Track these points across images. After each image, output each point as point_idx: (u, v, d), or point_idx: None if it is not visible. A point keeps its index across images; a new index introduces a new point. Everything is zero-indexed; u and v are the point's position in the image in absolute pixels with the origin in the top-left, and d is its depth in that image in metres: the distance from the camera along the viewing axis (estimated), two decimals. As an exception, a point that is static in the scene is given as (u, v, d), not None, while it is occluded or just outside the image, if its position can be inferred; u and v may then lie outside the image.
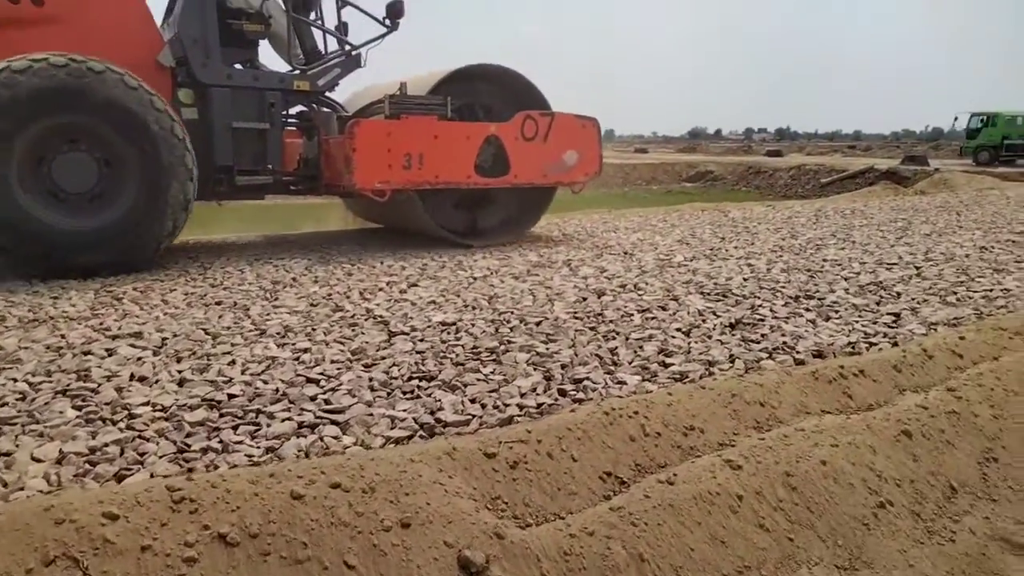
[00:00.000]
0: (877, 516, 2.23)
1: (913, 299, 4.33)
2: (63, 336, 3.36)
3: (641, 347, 3.29)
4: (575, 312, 3.90)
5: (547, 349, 3.22)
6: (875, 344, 3.43)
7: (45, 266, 4.68)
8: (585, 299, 4.20)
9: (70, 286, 4.53)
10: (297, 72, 6.11)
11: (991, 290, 4.58)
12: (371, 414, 2.47)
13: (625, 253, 5.97)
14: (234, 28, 5.76)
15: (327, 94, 6.37)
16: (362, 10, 6.41)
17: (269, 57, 6.51)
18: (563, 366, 3.02)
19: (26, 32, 4.87)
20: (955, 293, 4.48)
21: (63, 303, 4.08)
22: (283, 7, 6.10)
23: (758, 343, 3.41)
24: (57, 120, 4.62)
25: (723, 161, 43.41)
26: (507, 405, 2.59)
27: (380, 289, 4.48)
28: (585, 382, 2.83)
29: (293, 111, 6.31)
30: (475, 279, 4.82)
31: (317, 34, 6.36)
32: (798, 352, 3.28)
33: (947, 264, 5.42)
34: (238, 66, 5.86)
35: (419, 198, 6.07)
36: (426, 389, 2.73)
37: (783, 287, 4.56)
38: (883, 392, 2.92)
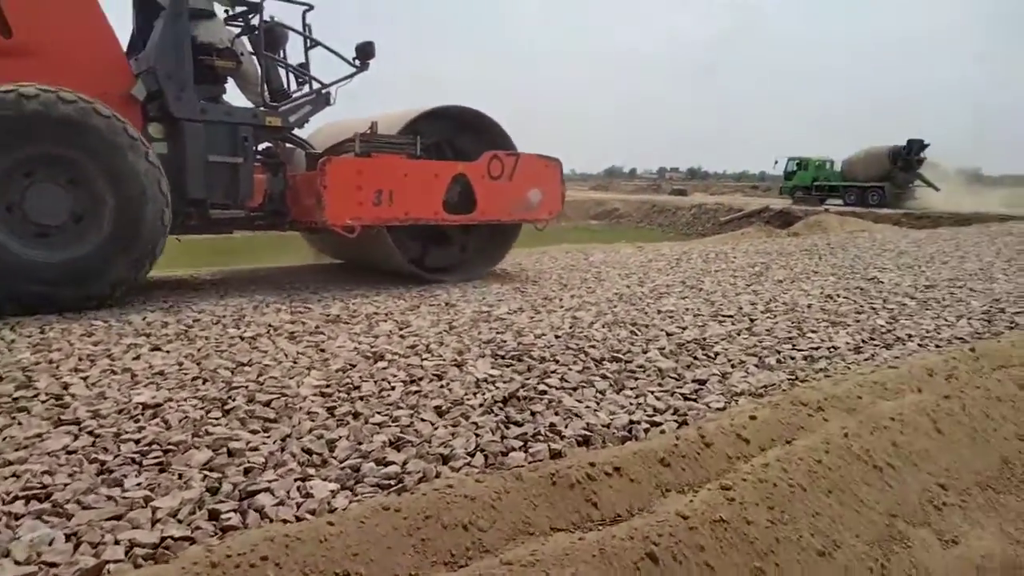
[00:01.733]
0: None
1: (730, 361, 3.88)
2: None
3: (371, 438, 2.65)
4: (327, 385, 3.24)
5: (244, 445, 2.54)
6: (658, 425, 2.90)
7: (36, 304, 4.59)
8: (354, 366, 3.55)
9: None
10: (269, 109, 6.16)
11: (817, 348, 4.19)
12: None
13: (446, 304, 5.37)
14: (205, 64, 5.81)
15: (294, 131, 6.45)
16: (332, 51, 6.60)
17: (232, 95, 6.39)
18: (247, 471, 2.34)
19: None
20: (778, 352, 4.07)
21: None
22: (249, 46, 6.30)
23: (520, 426, 2.83)
24: (27, 151, 4.58)
25: (630, 199, 44.25)
26: (102, 545, 1.88)
27: (104, 356, 3.70)
28: (259, 497, 2.16)
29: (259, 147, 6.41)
30: (242, 338, 4.10)
31: (281, 72, 6.52)
32: (563, 438, 2.72)
33: (784, 316, 5.05)
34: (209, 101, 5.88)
35: (387, 234, 6.16)
36: (19, 520, 2.00)
37: (593, 347, 4.03)
38: (639, 496, 2.37)
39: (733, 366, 3.80)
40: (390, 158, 6.12)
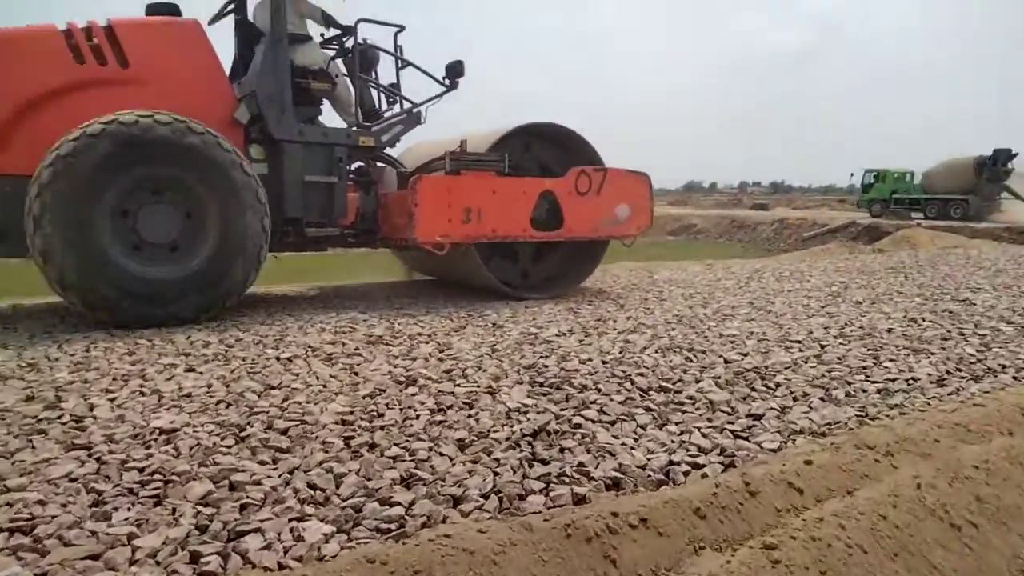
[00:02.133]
0: None
1: (792, 393, 3.53)
2: None
3: (383, 473, 2.47)
4: (350, 412, 3.08)
5: (248, 477, 2.40)
6: (700, 467, 2.61)
7: (128, 316, 4.83)
8: (383, 391, 3.39)
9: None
10: (362, 129, 6.33)
11: (894, 379, 3.78)
12: None
13: (494, 325, 5.17)
14: (301, 86, 6.03)
15: (385, 150, 6.62)
16: (424, 71, 6.74)
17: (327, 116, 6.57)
18: (243, 507, 2.20)
19: (113, 91, 5.18)
20: (849, 384, 3.68)
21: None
22: (343, 68, 6.57)
23: (546, 464, 2.59)
24: (152, 172, 4.90)
25: (707, 215, 43.08)
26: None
27: (134, 377, 3.67)
28: (247, 539, 2.01)
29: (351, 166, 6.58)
30: (279, 359, 4.01)
31: (373, 92, 6.70)
32: (591, 479, 2.47)
33: (859, 342, 4.62)
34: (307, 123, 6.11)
35: (476, 251, 6.23)
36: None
37: (641, 374, 3.75)
38: (667, 553, 2.09)
39: (795, 399, 3.45)
40: (479, 175, 6.16)
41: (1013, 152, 29.87)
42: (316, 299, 6.67)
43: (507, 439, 2.82)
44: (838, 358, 4.20)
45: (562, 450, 2.74)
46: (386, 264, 9.04)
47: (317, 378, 3.65)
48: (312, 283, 8.12)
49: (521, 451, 2.70)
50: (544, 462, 2.62)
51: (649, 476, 2.52)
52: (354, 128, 6.32)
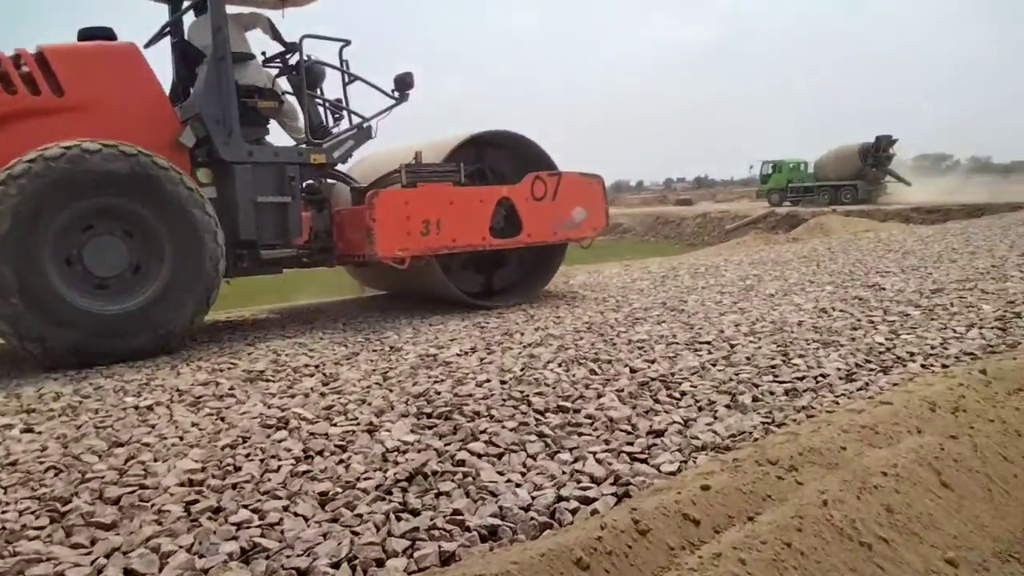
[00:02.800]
0: None
1: (697, 402, 3.30)
2: None
3: (220, 546, 2.10)
4: (202, 468, 2.69)
5: (51, 569, 2.00)
6: (591, 501, 2.33)
7: (82, 355, 4.62)
8: (247, 439, 3.01)
9: None
10: (313, 146, 6.15)
11: (803, 377, 3.60)
12: None
13: (391, 348, 4.82)
14: (248, 106, 5.82)
15: (337, 166, 6.47)
16: (372, 84, 6.63)
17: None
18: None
19: (50, 121, 4.91)
20: (756, 387, 3.48)
21: None
22: (287, 85, 6.34)
23: (416, 515, 2.27)
24: (89, 203, 4.67)
25: (634, 213, 43.61)
26: None
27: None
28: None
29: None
30: (137, 408, 3.56)
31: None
32: (465, 530, 2.16)
33: (769, 338, 4.47)
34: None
35: (437, 263, 6.17)
36: None
37: (540, 393, 3.47)
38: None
39: (700, 409, 3.23)
40: (436, 187, 6.08)
41: (893, 138, 31.80)
42: (209, 329, 6.17)
43: (377, 487, 2.48)
44: (747, 358, 4.01)
45: (439, 495, 2.42)
46: (336, 281, 8.58)
47: (176, 428, 3.23)
48: (235, 309, 7.58)
49: (391, 501, 2.37)
50: (415, 513, 2.30)
51: (532, 519, 2.23)
52: (304, 146, 6.14)
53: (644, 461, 2.66)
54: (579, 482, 2.48)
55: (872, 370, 3.69)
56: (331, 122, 6.60)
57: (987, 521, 2.42)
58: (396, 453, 2.79)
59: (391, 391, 3.67)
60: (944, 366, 3.67)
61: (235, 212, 5.60)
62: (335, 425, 3.15)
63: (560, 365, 4.06)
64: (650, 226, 38.59)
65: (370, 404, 3.43)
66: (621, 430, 2.97)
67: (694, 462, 2.62)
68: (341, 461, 2.74)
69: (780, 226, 26.59)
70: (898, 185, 31.82)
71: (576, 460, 2.68)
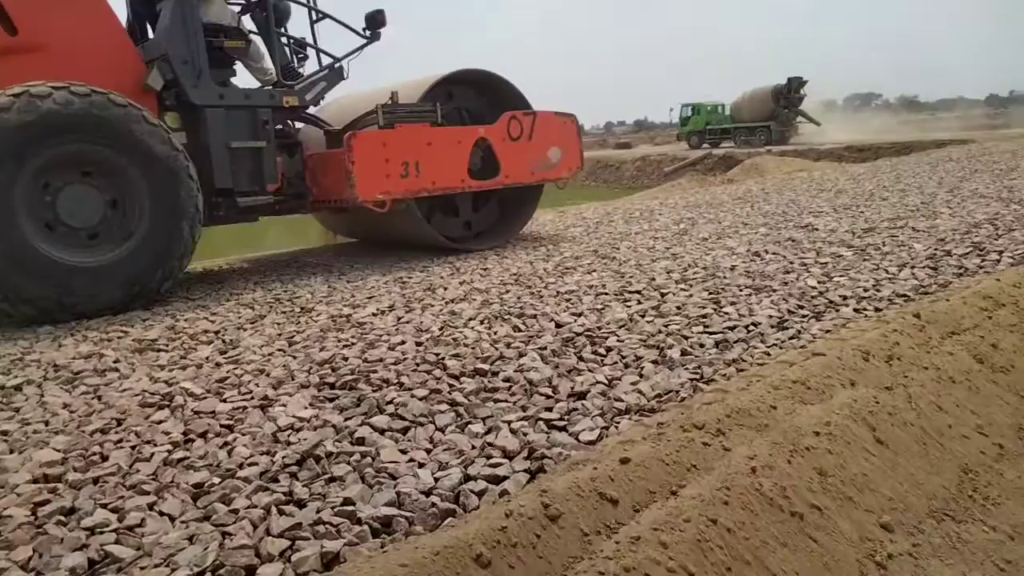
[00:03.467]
0: None
1: (623, 359, 3.09)
2: None
3: (63, 558, 1.79)
4: (62, 460, 2.35)
5: None
6: (501, 480, 2.09)
7: (56, 310, 4.39)
8: (121, 421, 2.66)
9: None
10: (285, 88, 5.88)
11: (734, 326, 3.43)
12: None
13: (303, 309, 4.47)
14: (214, 45, 5.50)
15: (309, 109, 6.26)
16: (341, 22, 6.32)
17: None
18: None
19: (5, 62, 4.61)
20: (686, 339, 3.29)
21: None
22: (250, 24, 6.04)
23: (302, 507, 2.00)
24: (53, 151, 4.37)
25: (574, 157, 43.21)
26: None
27: None
28: None
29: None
30: (3, 388, 3.16)
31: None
32: (357, 523, 1.90)
33: (701, 285, 4.29)
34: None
35: (415, 207, 6.05)
36: None
37: (457, 355, 3.21)
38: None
39: (626, 365, 3.02)
40: (413, 128, 5.87)
41: (804, 79, 32.54)
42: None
43: (262, 475, 2.19)
44: (677, 307, 3.82)
45: (331, 480, 2.15)
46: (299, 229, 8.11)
47: (44, 411, 2.86)
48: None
49: (275, 491, 2.08)
50: (301, 504, 2.02)
51: (433, 507, 1.98)
52: (277, 88, 5.85)
53: (563, 429, 2.43)
54: (489, 458, 2.23)
55: (804, 316, 3.54)
56: (295, 62, 6.34)
57: (922, 478, 2.29)
58: (289, 432, 2.49)
59: (295, 358, 3.35)
60: (877, 310, 3.54)
61: (209, 159, 5.31)
62: (225, 401, 2.83)
63: (482, 322, 3.80)
64: (590, 171, 38.28)
65: (268, 375, 3.12)
66: (540, 393, 2.74)
67: (616, 428, 2.40)
68: (225, 444, 2.44)
69: (717, 168, 26.74)
70: (809, 125, 32.71)
71: (489, 431, 2.44)
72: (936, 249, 4.81)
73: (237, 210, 5.61)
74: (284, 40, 6.19)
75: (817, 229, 6.05)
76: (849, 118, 34.12)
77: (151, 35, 5.73)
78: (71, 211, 4.50)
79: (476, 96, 6.83)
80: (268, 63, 5.91)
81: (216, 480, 2.17)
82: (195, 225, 4.87)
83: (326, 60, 6.27)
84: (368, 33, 6.30)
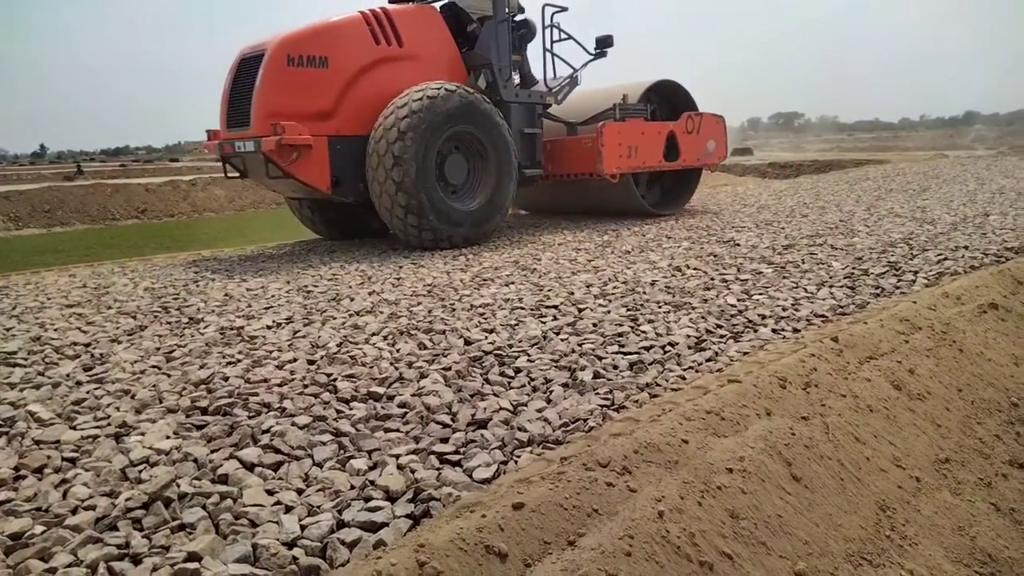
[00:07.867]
0: None
1: (532, 381, 2.87)
2: None
3: None
4: None
5: None
6: (378, 528, 1.82)
7: (442, 239, 6.43)
8: None
9: None
10: (548, 91, 7.89)
11: (650, 346, 3.25)
12: None
13: (191, 319, 4.08)
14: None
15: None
16: (579, 43, 8.24)
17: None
18: None
19: (399, 66, 6.67)
20: (600, 360, 3.09)
21: None
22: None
23: (136, 565, 1.68)
24: (453, 128, 6.43)
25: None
26: None
27: None
28: None
29: None
30: None
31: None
32: None
33: (621, 300, 4.12)
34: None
35: (631, 180, 8.20)
36: None
37: (351, 376, 2.92)
38: None
39: (535, 389, 2.79)
40: (635, 122, 8.03)
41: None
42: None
43: (98, 522, 1.86)
44: (594, 324, 3.63)
45: (180, 528, 1.84)
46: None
47: None
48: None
49: (107, 544, 1.76)
50: (137, 560, 1.71)
51: (294, 561, 1.69)
52: (544, 91, 7.85)
53: (457, 464, 2.19)
54: (368, 500, 1.96)
55: (723, 336, 3.39)
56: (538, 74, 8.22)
57: (839, 518, 2.13)
58: (142, 467, 2.16)
59: (168, 376, 3.00)
60: (795, 331, 3.42)
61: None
62: (75, 428, 2.47)
63: (386, 338, 3.52)
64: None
65: (133, 396, 2.76)
66: (438, 422, 2.48)
67: (515, 463, 2.17)
68: (63, 482, 2.09)
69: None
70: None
71: (373, 467, 2.17)
72: (854, 268, 4.79)
73: (523, 178, 7.38)
74: (552, 55, 8.07)
75: (739, 244, 6.00)
76: (778, 135, 35.25)
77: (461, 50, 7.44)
78: (450, 172, 6.59)
79: (659, 99, 8.86)
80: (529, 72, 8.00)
81: (39, 529, 1.83)
82: (515, 184, 6.93)
83: (564, 70, 8.23)
84: (596, 51, 8.22)
